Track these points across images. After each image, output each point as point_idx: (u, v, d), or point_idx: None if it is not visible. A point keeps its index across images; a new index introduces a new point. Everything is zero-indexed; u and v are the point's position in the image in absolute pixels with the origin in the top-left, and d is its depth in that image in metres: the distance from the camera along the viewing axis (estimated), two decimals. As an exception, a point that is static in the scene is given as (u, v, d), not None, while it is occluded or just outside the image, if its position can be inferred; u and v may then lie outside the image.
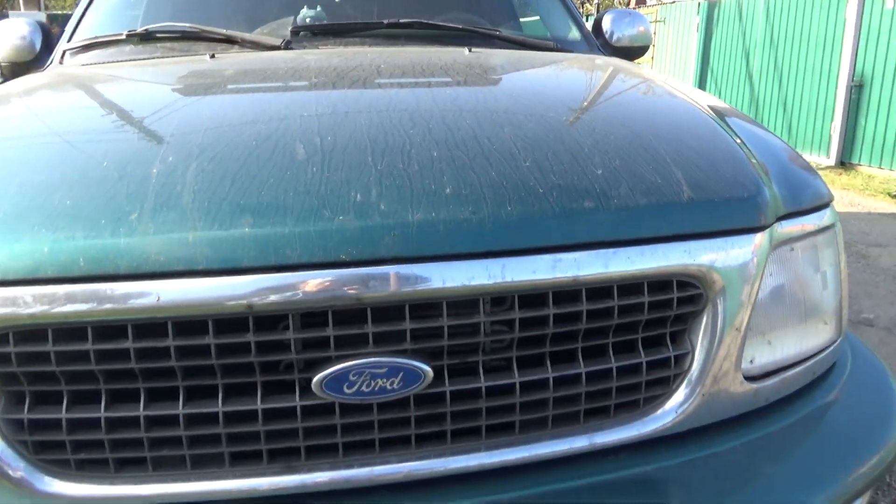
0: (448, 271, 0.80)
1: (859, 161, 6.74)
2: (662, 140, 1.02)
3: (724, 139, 1.08)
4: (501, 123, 1.01)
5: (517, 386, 0.86)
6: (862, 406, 1.09)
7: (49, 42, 1.96)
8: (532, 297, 0.84)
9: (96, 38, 1.78)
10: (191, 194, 0.82)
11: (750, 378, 0.98)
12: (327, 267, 0.78)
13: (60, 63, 1.79)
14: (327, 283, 0.77)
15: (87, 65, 1.71)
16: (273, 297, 0.77)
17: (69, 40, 1.85)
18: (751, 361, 0.98)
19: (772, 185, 1.00)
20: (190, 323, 0.78)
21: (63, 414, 0.81)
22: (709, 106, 1.26)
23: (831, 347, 1.08)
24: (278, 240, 0.78)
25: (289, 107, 1.06)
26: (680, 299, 0.90)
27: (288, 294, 0.77)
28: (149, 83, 1.35)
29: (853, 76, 6.69)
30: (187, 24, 1.72)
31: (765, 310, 0.98)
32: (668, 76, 1.65)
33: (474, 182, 0.86)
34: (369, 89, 1.16)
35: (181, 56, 1.63)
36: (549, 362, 0.87)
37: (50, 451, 0.83)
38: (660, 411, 0.93)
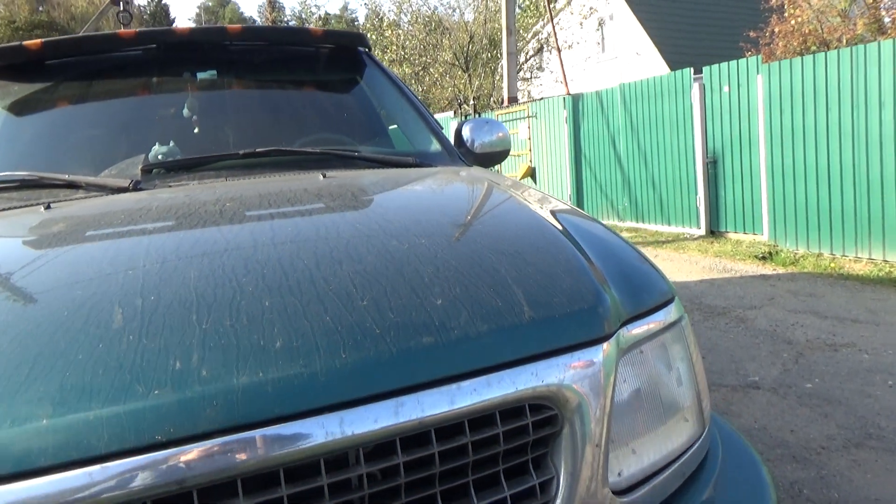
0: (280, 435, 0.74)
1: (726, 228, 7.33)
2: (504, 258, 1.04)
3: (566, 251, 1.11)
4: (340, 259, 0.99)
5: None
6: (738, 499, 1.09)
7: None
8: (378, 447, 0.79)
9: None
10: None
11: (620, 492, 0.96)
12: (141, 451, 0.70)
13: None
14: (143, 471, 0.69)
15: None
16: (80, 499, 0.68)
17: None
18: (618, 474, 0.97)
19: (611, 291, 1.03)
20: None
21: None
22: (556, 216, 1.30)
23: (697, 443, 1.09)
24: (80, 430, 0.69)
25: (114, 262, 0.99)
26: (535, 423, 0.88)
27: (98, 491, 0.68)
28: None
29: (706, 153, 7.39)
30: (25, 173, 1.63)
31: (623, 418, 0.98)
32: (520, 184, 1.72)
33: (306, 331, 0.82)
34: (208, 233, 1.12)
35: (17, 208, 1.53)
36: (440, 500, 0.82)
37: None
38: (534, 546, 0.89)
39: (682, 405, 1.08)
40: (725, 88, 7.08)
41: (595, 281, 1.03)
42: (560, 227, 1.23)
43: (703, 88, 7.37)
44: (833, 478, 2.37)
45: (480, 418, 0.85)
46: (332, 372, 0.78)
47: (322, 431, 0.75)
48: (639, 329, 1.03)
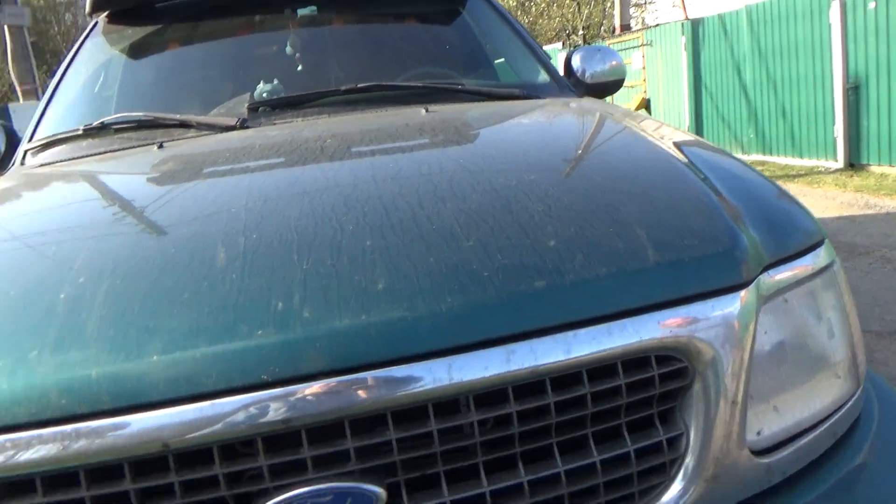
0: (386, 379, 0.70)
1: (868, 161, 6.59)
2: (624, 196, 0.93)
3: (694, 186, 0.98)
4: (444, 197, 0.92)
5: (487, 496, 0.75)
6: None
7: (13, 142, 1.93)
8: (488, 395, 0.73)
9: (54, 135, 1.74)
10: (96, 322, 0.74)
11: (759, 452, 0.86)
12: (248, 390, 0.69)
13: (22, 164, 1.75)
14: (249, 409, 0.68)
15: (45, 164, 1.66)
16: (190, 432, 0.68)
17: (30, 139, 1.82)
18: (757, 433, 0.86)
19: (749, 232, 0.89)
20: (105, 469, 0.69)
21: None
22: (680, 148, 1.16)
23: (850, 402, 0.96)
24: (189, 366, 0.69)
25: (219, 201, 0.98)
26: (663, 375, 0.79)
27: (206, 426, 0.68)
28: (85, 186, 1.29)
29: (846, 79, 6.60)
30: (141, 114, 1.67)
31: (765, 373, 0.87)
32: (637, 114, 1.57)
33: (410, 273, 0.77)
34: (310, 171, 1.09)
35: (133, 148, 1.58)
36: (520, 464, 0.77)
37: None
38: (658, 505, 0.82)
39: (832, 360, 0.94)
40: (871, 5, 6.21)
41: (730, 220, 0.90)
42: (686, 160, 1.09)
43: (843, 6, 6.51)
44: None
45: (601, 368, 0.77)
46: (438, 316, 0.73)
47: (430, 377, 0.70)
48: (783, 275, 0.90)
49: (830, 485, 0.89)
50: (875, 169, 6.52)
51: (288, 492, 0.70)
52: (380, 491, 0.71)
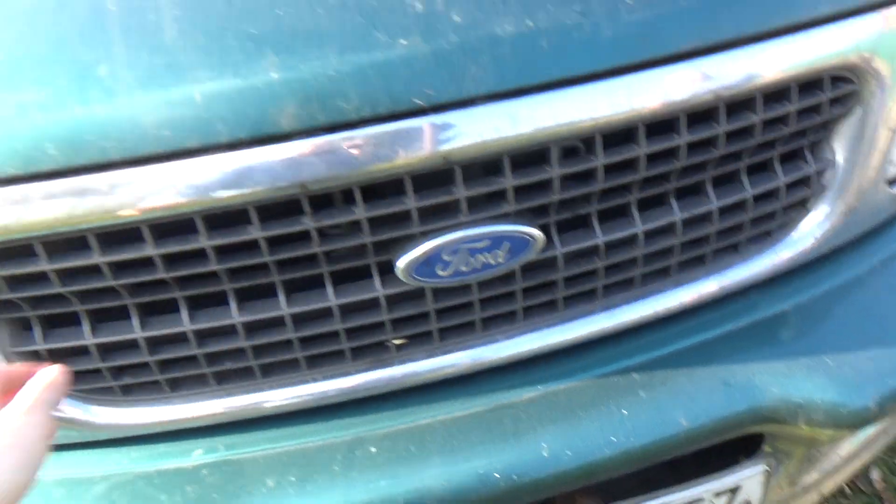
0: (558, 103, 0.59)
1: None
2: None
3: None
4: None
5: (640, 236, 0.69)
6: None
7: None
8: (660, 124, 0.64)
9: None
10: (176, 24, 0.57)
11: (893, 181, 0.82)
12: (396, 118, 0.57)
13: None
14: (399, 140, 0.57)
15: None
16: (328, 169, 0.56)
17: None
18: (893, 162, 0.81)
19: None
20: (225, 215, 0.59)
21: (90, 339, 0.65)
22: None
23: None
24: (321, 87, 0.55)
25: None
26: (830, 101, 0.70)
27: (346, 164, 0.57)
28: None
29: None
30: None
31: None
32: None
33: (575, -31, 0.61)
34: None
35: None
36: (674, 202, 0.70)
37: (86, 381, 0.69)
38: (795, 236, 0.79)
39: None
40: None
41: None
42: None
43: None
44: None
45: (775, 92, 0.67)
46: (617, 23, 0.59)
47: (607, 101, 0.59)
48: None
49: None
50: None
51: (436, 238, 0.62)
52: (538, 233, 0.64)
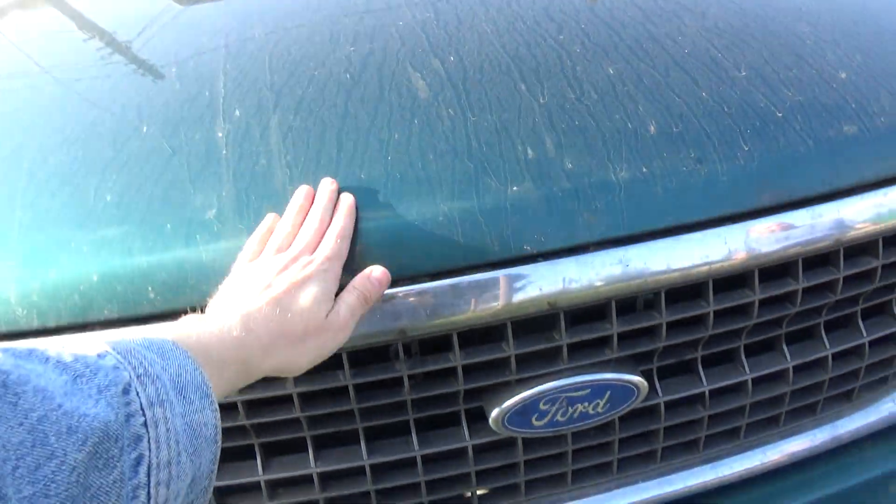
0: (672, 250, 0.55)
1: None
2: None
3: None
4: (677, 10, 0.71)
5: (748, 383, 0.64)
6: None
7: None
8: (775, 268, 0.60)
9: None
10: (284, 168, 0.56)
11: None
12: (504, 265, 0.53)
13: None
14: (507, 286, 0.53)
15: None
16: (429, 316, 0.53)
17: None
18: None
19: None
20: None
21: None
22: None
23: None
24: (430, 233, 0.52)
25: (377, 12, 0.75)
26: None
27: (447, 309, 0.53)
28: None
29: None
30: None
31: None
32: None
33: (682, 111, 0.59)
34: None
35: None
36: (785, 348, 0.65)
37: None
38: (910, 384, 0.73)
39: None
40: None
41: None
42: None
43: None
44: None
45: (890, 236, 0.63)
46: (734, 169, 0.56)
47: (723, 247, 0.56)
48: None
49: None
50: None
51: (535, 386, 0.57)
52: (642, 381, 0.59)
